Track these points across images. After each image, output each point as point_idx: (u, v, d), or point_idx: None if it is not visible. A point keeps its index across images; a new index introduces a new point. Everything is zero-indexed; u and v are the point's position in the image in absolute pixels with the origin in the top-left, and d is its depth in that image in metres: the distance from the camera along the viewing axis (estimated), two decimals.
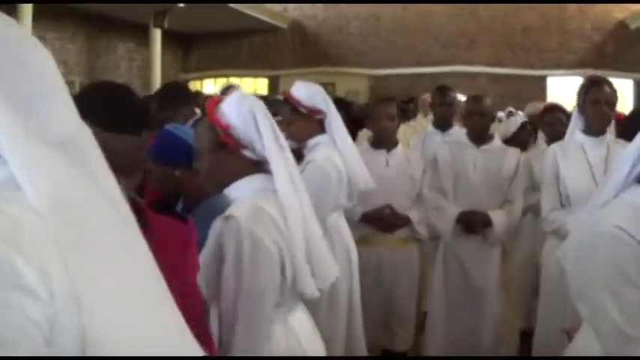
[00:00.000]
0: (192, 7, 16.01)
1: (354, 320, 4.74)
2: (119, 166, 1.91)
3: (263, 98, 9.85)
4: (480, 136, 5.64)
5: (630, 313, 2.32)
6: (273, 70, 21.97)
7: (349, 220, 5.19)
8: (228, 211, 2.64)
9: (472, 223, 5.51)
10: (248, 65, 22.40)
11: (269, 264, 2.65)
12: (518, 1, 19.33)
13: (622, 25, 19.36)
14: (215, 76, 22.45)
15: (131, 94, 2.06)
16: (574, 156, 4.69)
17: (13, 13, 12.52)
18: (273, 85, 21.65)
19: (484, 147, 5.62)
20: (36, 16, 13.12)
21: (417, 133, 8.56)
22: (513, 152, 5.70)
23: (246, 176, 2.76)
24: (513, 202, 5.58)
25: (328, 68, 21.04)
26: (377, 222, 5.44)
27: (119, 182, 1.89)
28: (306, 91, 4.61)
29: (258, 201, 2.69)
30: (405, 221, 5.47)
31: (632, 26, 18.95)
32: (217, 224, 2.64)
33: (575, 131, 4.78)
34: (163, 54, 18.28)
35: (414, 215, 5.49)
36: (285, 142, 2.86)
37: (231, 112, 2.72)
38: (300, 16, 21.93)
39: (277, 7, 21.53)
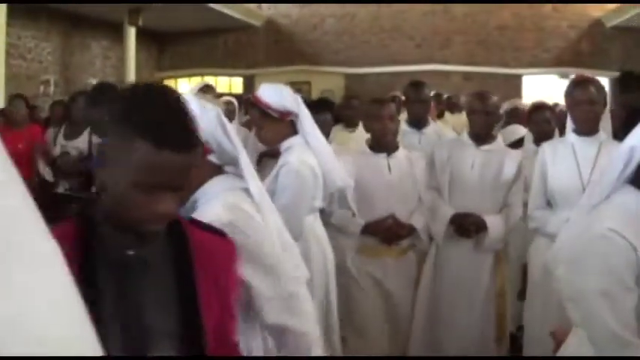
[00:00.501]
0: (166, 5, 15.93)
1: (331, 320, 4.71)
2: (167, 182, 1.82)
3: (237, 97, 9.88)
4: (482, 135, 5.37)
5: (625, 317, 2.32)
6: (248, 69, 21.91)
7: (346, 230, 5.26)
8: (201, 218, 2.49)
9: (465, 226, 5.26)
10: (223, 64, 22.32)
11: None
12: (494, 1, 19.39)
13: (598, 23, 19.47)
14: (189, 75, 22.36)
15: (184, 108, 1.90)
16: (563, 155, 4.70)
17: None
18: (248, 84, 21.56)
19: (485, 147, 5.35)
20: (11, 16, 13.00)
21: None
22: (515, 155, 5.44)
23: (205, 181, 2.70)
24: (512, 207, 5.29)
25: (303, 67, 21.00)
26: (380, 234, 5.21)
27: (166, 198, 1.82)
28: (275, 94, 4.46)
29: (230, 199, 2.65)
30: (410, 230, 5.27)
31: (608, 24, 19.07)
32: None
33: (569, 131, 4.82)
34: (138, 52, 18.19)
35: (417, 222, 5.27)
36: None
37: (197, 118, 2.62)
38: (274, 15, 21.87)
39: (252, 5, 21.45)
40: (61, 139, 7.05)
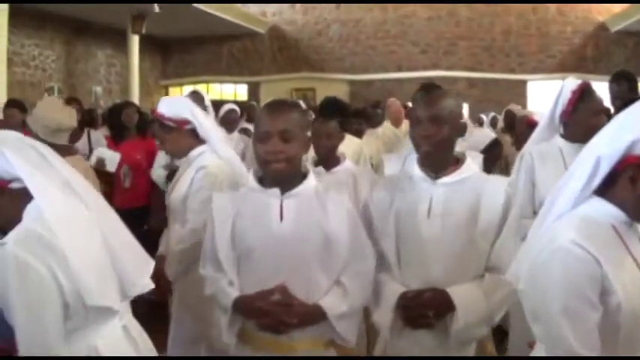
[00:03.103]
0: (170, 13, 15.90)
1: None
2: None
3: (241, 104, 9.82)
4: (437, 162, 3.25)
5: (586, 335, 2.23)
6: (253, 76, 21.92)
7: (219, 303, 3.21)
8: (4, 239, 2.57)
9: (415, 310, 3.18)
10: (227, 71, 22.34)
11: (39, 287, 2.53)
12: (498, 1, 19.39)
13: (602, 27, 19.42)
14: (194, 82, 22.33)
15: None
16: (552, 161, 4.46)
17: None
18: (253, 91, 21.62)
19: (445, 179, 3.24)
20: (13, 24, 13.00)
21: (384, 145, 7.91)
22: (497, 184, 3.26)
23: (27, 204, 2.68)
24: (499, 268, 3.11)
25: (308, 73, 21.04)
26: (257, 316, 3.04)
27: None
28: (167, 105, 4.42)
29: (32, 224, 2.60)
30: (313, 315, 3.05)
31: (613, 29, 19.01)
32: None
33: (554, 136, 4.58)
34: (142, 60, 18.18)
35: (332, 304, 3.07)
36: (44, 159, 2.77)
37: None
38: (279, 21, 21.88)
39: (257, 12, 21.48)
40: None
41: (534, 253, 2.40)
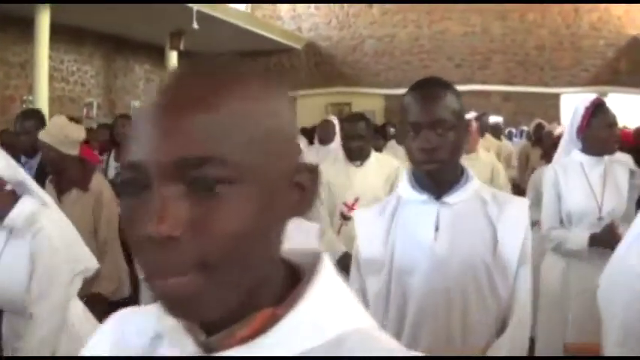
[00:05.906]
0: (208, 29, 16.09)
1: None
2: None
3: None
4: (443, 179, 2.49)
5: None
6: (289, 91, 22.05)
7: None
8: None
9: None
10: None
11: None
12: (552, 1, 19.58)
13: (635, 41, 19.40)
14: None
15: None
16: (574, 175, 4.62)
17: (29, 35, 12.70)
18: None
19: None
20: (53, 38, 13.19)
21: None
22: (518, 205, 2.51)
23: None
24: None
25: (343, 88, 21.21)
26: None
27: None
28: None
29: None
30: None
31: None
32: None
33: (572, 150, 4.73)
34: None
35: None
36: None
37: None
38: (314, 37, 22.12)
39: (292, 28, 21.74)
40: (112, 162, 7.17)
41: (609, 269, 2.40)
